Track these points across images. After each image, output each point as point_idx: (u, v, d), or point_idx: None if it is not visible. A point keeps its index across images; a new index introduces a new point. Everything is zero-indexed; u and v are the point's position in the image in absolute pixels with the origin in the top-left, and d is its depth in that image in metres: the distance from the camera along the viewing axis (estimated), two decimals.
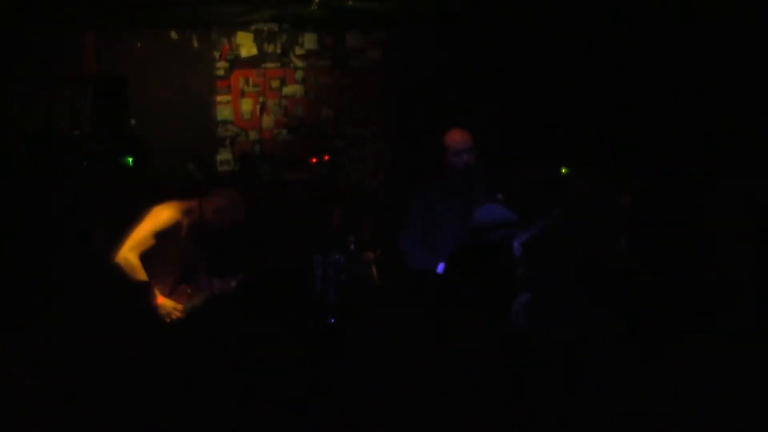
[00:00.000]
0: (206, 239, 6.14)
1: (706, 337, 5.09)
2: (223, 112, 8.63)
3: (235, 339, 5.68)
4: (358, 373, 4.05)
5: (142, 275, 5.85)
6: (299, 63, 8.80)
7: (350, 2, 7.47)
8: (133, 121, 8.08)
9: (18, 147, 7.50)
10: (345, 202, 8.27)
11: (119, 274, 5.82)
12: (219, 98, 8.61)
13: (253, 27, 8.61)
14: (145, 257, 5.91)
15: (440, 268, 5.51)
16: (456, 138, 5.83)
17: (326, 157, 8.73)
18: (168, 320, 5.83)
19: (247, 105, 8.68)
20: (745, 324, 5.52)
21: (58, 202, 7.01)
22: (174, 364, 4.58)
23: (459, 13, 8.13)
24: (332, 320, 6.34)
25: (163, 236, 5.92)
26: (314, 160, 8.69)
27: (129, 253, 5.85)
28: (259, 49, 8.68)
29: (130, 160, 7.38)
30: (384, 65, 8.95)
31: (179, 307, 5.96)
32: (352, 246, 6.73)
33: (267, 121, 8.74)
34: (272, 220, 7.81)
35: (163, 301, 5.89)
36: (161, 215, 5.94)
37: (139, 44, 8.23)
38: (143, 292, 5.57)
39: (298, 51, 8.80)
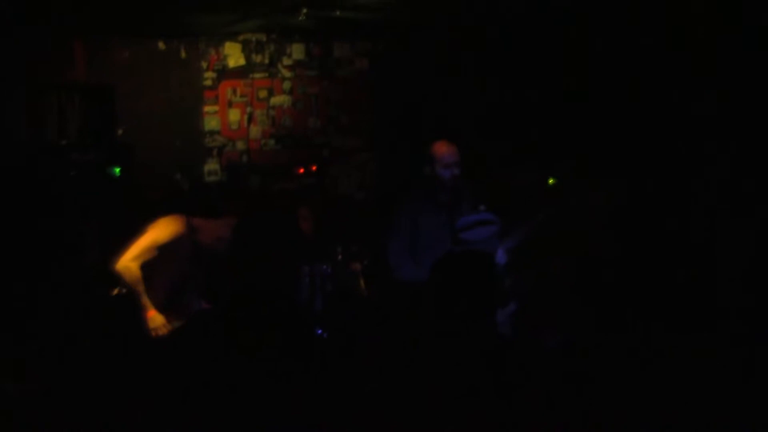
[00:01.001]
0: (203, 259, 6.14)
1: (698, 342, 5.11)
2: (211, 122, 8.63)
3: (221, 349, 5.68)
4: (344, 382, 4.05)
5: (140, 287, 5.84)
6: (287, 73, 8.81)
7: (338, 12, 7.48)
8: (120, 131, 8.08)
9: (5, 156, 7.48)
10: (332, 211, 8.29)
11: (118, 281, 5.82)
12: (206, 108, 8.61)
13: (240, 37, 8.62)
14: (143, 268, 5.90)
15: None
16: (446, 150, 5.81)
17: (314, 168, 8.75)
18: (154, 334, 5.81)
19: (234, 115, 8.69)
20: (739, 328, 5.52)
21: (46, 211, 7.00)
22: (161, 375, 4.58)
23: (446, 23, 8.15)
24: (320, 331, 6.34)
25: (164, 249, 5.91)
26: (302, 171, 8.70)
27: (131, 262, 5.83)
28: (247, 59, 8.69)
29: (118, 170, 7.38)
30: (371, 75, 8.97)
31: (168, 325, 5.95)
32: (340, 256, 6.74)
33: (254, 131, 8.74)
34: (259, 230, 7.81)
35: (154, 314, 5.87)
36: (167, 228, 5.92)
37: (127, 54, 8.23)
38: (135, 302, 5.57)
39: (286, 61, 8.82)
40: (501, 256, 5.49)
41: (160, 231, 5.90)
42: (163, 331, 5.87)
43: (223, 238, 6.07)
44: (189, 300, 6.16)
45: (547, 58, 8.00)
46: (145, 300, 5.78)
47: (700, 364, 4.59)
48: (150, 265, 5.88)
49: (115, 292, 5.83)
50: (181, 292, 6.12)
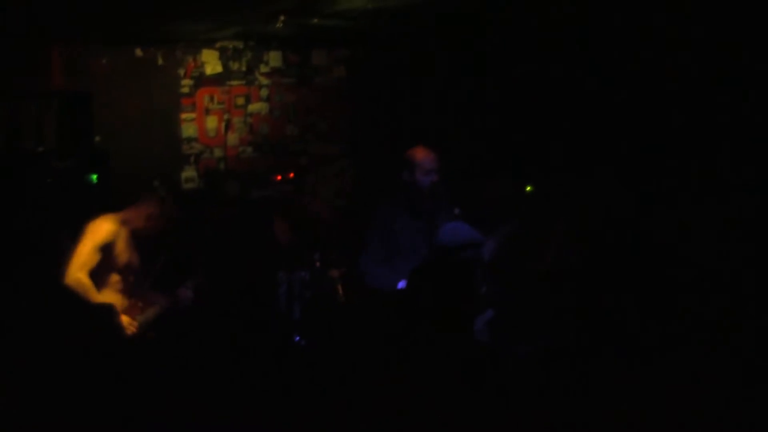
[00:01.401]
0: (146, 248, 6.16)
1: (675, 345, 5.13)
2: (188, 130, 8.61)
3: (201, 356, 5.68)
4: (322, 389, 4.07)
5: (95, 294, 5.85)
6: (264, 80, 8.81)
7: (315, 20, 7.49)
8: (98, 138, 8.05)
9: None
10: (310, 218, 8.29)
11: (72, 295, 5.82)
12: (184, 116, 8.59)
13: (218, 44, 8.62)
14: (92, 274, 5.91)
15: (402, 284, 5.50)
16: (425, 156, 5.80)
17: (291, 175, 8.74)
18: (125, 336, 5.81)
19: (212, 122, 8.68)
20: (717, 331, 5.55)
21: (23, 219, 6.97)
22: (140, 383, 4.58)
23: (424, 31, 8.18)
24: (297, 338, 6.35)
25: (105, 250, 5.92)
26: (279, 178, 8.70)
27: (79, 273, 5.84)
28: (224, 66, 8.69)
29: (95, 177, 7.36)
30: (349, 82, 8.99)
31: (134, 322, 5.95)
32: (318, 263, 6.75)
33: (232, 138, 8.73)
34: (237, 237, 7.81)
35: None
36: (100, 229, 5.93)
37: (104, 61, 8.20)
38: (108, 311, 5.55)
39: (263, 68, 8.82)
40: (486, 252, 5.49)
41: (95, 234, 5.92)
42: (132, 330, 5.88)
43: (153, 216, 6.07)
44: (147, 294, 6.16)
45: (522, 64, 8.05)
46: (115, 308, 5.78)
47: (678, 367, 4.62)
48: (97, 269, 5.91)
49: None
50: (136, 288, 6.13)
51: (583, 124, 7.46)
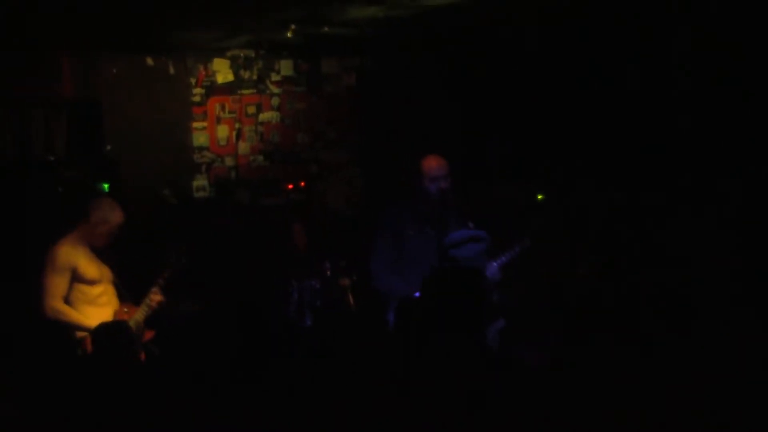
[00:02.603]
0: (112, 254, 6.17)
1: (676, 360, 5.12)
2: (199, 138, 8.61)
3: (211, 365, 5.67)
4: (333, 397, 4.05)
5: (76, 316, 5.87)
6: (275, 89, 8.82)
7: (326, 29, 7.50)
8: (108, 147, 8.06)
9: None
10: (320, 226, 8.29)
11: (57, 325, 5.84)
12: (195, 124, 8.59)
13: (229, 53, 8.62)
14: (72, 297, 5.93)
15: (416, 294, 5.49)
16: (433, 164, 5.82)
17: (302, 183, 8.75)
18: None
19: (223, 131, 8.68)
20: (714, 347, 5.54)
21: (33, 228, 6.98)
22: (150, 393, 4.57)
23: (431, 40, 8.17)
24: (308, 345, 6.34)
25: (70, 272, 5.93)
26: (290, 186, 8.71)
27: (53, 302, 5.88)
28: (236, 75, 8.69)
29: (106, 186, 7.37)
30: (359, 90, 8.98)
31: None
32: (329, 272, 6.74)
33: (243, 147, 8.74)
34: (248, 245, 7.82)
35: None
36: (56, 256, 5.94)
37: (114, 70, 8.21)
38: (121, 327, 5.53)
39: (275, 77, 8.82)
40: (496, 272, 5.49)
41: (52, 262, 5.93)
42: None
43: (104, 220, 6.04)
44: (124, 299, 6.16)
45: (530, 74, 8.04)
46: (88, 324, 5.76)
47: (683, 376, 4.60)
48: (75, 292, 5.92)
49: (85, 337, 5.78)
50: (117, 294, 6.14)
51: (583, 126, 7.46)
